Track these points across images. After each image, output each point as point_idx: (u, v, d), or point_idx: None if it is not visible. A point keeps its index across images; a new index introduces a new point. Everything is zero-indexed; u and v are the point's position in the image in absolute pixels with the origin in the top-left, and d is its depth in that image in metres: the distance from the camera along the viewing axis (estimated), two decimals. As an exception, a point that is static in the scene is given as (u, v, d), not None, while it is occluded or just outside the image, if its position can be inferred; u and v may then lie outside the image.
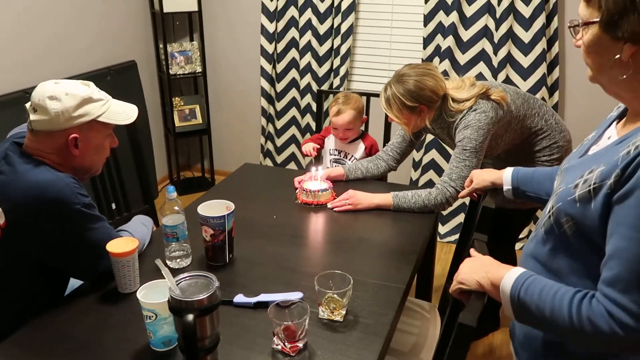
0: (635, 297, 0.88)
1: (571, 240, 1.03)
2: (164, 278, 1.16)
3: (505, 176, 1.57)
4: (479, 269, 1.14)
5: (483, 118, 1.85)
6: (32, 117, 1.42)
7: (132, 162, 2.42)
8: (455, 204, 3.22)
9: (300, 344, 1.24)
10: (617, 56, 0.96)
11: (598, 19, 0.96)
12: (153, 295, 1.21)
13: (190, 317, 1.08)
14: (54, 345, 1.26)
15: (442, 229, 3.34)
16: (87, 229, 1.42)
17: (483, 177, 1.65)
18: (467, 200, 2.70)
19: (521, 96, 2.01)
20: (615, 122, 1.11)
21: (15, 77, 2.72)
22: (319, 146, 2.49)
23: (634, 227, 0.89)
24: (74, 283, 1.55)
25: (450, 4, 2.96)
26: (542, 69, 2.89)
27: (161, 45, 3.67)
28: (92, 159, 1.53)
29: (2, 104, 2.56)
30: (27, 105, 1.45)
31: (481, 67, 3.04)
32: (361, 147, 2.43)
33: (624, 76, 0.97)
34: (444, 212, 3.30)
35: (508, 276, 1.05)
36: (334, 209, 1.93)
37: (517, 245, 2.48)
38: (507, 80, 2.95)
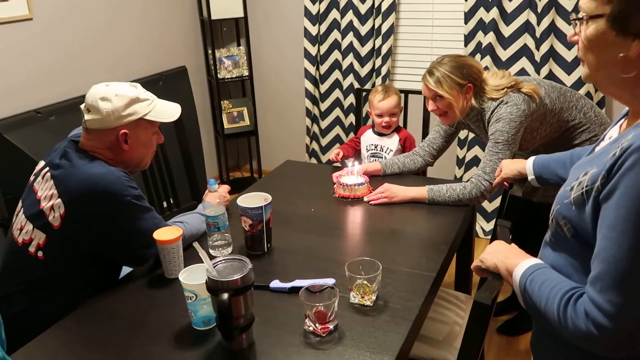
0: (611, 296, 0.88)
1: (572, 242, 1.02)
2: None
3: (528, 165, 1.60)
4: (500, 254, 1.17)
5: (515, 111, 1.87)
6: (86, 116, 1.56)
7: (181, 163, 2.56)
8: (499, 201, 3.20)
9: (330, 326, 1.30)
10: (622, 54, 0.92)
11: (604, 13, 0.92)
12: (194, 278, 1.31)
13: (225, 296, 1.17)
14: (106, 323, 1.39)
15: (487, 226, 3.32)
16: (136, 218, 1.54)
17: (511, 166, 1.68)
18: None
19: (557, 89, 2.00)
20: (621, 121, 1.08)
21: (74, 83, 2.93)
22: (343, 153, 2.52)
23: (612, 227, 0.88)
24: (127, 269, 1.68)
25: (490, 0, 2.95)
26: (587, 63, 2.83)
27: (210, 51, 3.83)
28: (140, 154, 1.66)
29: (63, 109, 2.77)
30: (82, 106, 1.59)
31: (523, 62, 3.01)
32: (396, 139, 2.48)
33: (626, 75, 0.93)
34: (488, 209, 3.28)
35: (521, 266, 1.07)
36: (370, 202, 1.99)
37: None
38: (551, 75, 2.92)
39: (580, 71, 2.85)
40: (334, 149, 2.57)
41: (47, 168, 1.57)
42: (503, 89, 1.92)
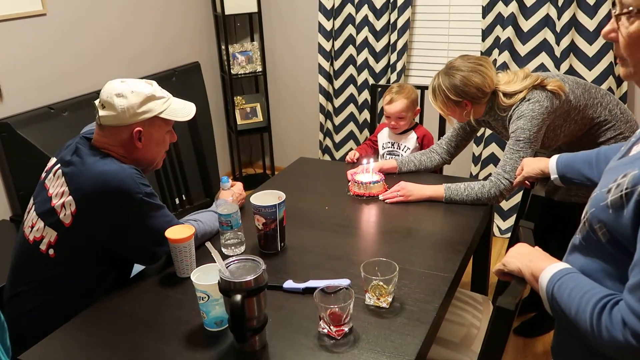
0: None
1: (607, 247, 0.97)
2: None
3: (551, 164, 1.55)
4: (524, 257, 1.12)
5: (537, 108, 1.81)
6: (101, 112, 1.53)
7: (194, 159, 2.54)
8: (516, 199, 3.15)
9: (345, 328, 1.27)
10: None
11: None
12: (206, 278, 1.28)
13: (238, 297, 1.14)
14: (117, 322, 1.36)
15: (503, 225, 3.26)
16: (148, 216, 1.52)
17: (533, 165, 1.63)
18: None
19: (581, 86, 1.94)
20: None
21: (87, 79, 2.92)
22: (360, 155, 2.47)
23: None
24: (139, 267, 1.66)
25: (509, -6, 2.89)
26: (609, 58, 2.77)
27: (223, 47, 3.80)
28: (153, 152, 1.63)
29: (76, 105, 2.76)
30: (96, 102, 1.56)
31: (543, 57, 2.94)
32: (413, 137, 2.42)
33: None
34: (505, 208, 3.23)
35: (548, 270, 1.03)
36: (385, 201, 1.94)
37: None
38: (571, 71, 2.85)
39: (600, 67, 2.77)
40: (351, 150, 2.52)
41: (59, 165, 1.55)
42: (523, 90, 1.86)
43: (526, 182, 1.75)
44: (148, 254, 1.56)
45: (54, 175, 1.54)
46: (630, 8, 0.89)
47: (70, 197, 1.47)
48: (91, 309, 1.43)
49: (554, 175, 1.56)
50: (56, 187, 1.51)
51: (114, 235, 1.51)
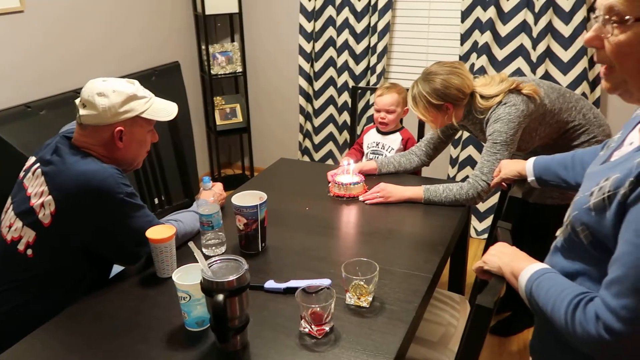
0: (627, 302, 0.86)
1: (588, 249, 0.99)
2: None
3: (528, 166, 1.59)
4: (505, 256, 1.15)
5: (513, 111, 1.85)
6: (82, 112, 1.52)
7: (173, 159, 2.52)
8: (492, 201, 3.20)
9: (326, 327, 1.28)
10: None
11: None
12: (188, 278, 1.28)
13: (221, 297, 1.14)
14: (96, 325, 1.35)
15: (479, 226, 3.32)
16: (129, 216, 1.51)
17: (510, 167, 1.67)
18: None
19: (556, 90, 1.99)
20: (639, 126, 1.04)
21: (65, 77, 2.87)
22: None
23: (637, 232, 0.86)
24: (118, 267, 1.65)
25: None
26: (583, 64, 2.84)
27: (203, 47, 3.79)
28: (134, 152, 1.62)
29: (54, 104, 2.72)
30: (77, 101, 1.55)
31: (519, 62, 3.00)
32: (398, 138, 2.47)
33: None
34: (481, 209, 3.28)
35: (527, 269, 1.06)
36: (366, 202, 1.97)
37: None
38: (547, 75, 2.91)
39: (575, 72, 2.82)
40: (330, 152, 2.55)
41: (38, 164, 1.53)
42: (500, 94, 1.90)
43: (503, 183, 1.79)
44: (129, 254, 1.55)
45: (32, 174, 1.53)
46: (627, 17, 0.86)
47: (49, 197, 1.45)
48: (71, 309, 1.42)
49: (530, 177, 1.59)
50: (35, 186, 1.50)
51: (95, 235, 1.50)
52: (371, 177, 2.14)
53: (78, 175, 1.45)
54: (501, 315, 2.52)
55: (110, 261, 1.63)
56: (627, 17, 0.86)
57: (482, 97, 1.93)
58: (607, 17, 0.88)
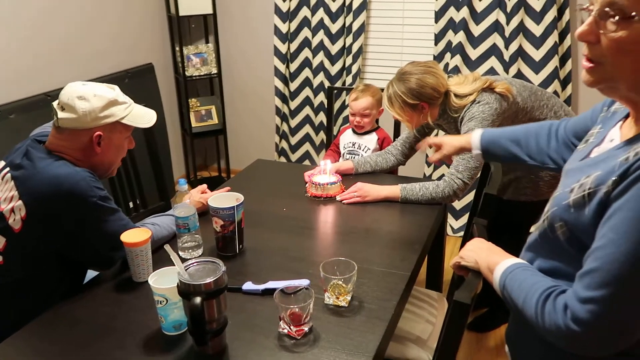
0: (596, 294, 0.86)
1: (564, 246, 1.00)
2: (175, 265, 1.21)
3: (474, 139, 1.52)
4: (482, 251, 1.17)
5: (487, 109, 1.88)
6: (60, 115, 1.49)
7: (148, 162, 2.49)
8: (468, 199, 3.24)
9: (305, 328, 1.28)
10: None
11: None
12: (164, 281, 1.26)
13: (198, 299, 1.13)
14: (71, 331, 1.33)
15: (455, 224, 3.35)
16: (103, 220, 1.48)
17: (452, 142, 1.61)
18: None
19: (528, 89, 2.02)
20: (620, 123, 1.03)
21: (34, 80, 2.81)
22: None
23: (615, 228, 0.87)
24: (92, 272, 1.62)
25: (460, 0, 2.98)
26: (554, 62, 2.89)
27: (177, 48, 3.75)
28: (111, 158, 1.60)
29: (24, 107, 2.66)
30: (55, 103, 1.52)
31: (492, 61, 3.04)
32: (374, 138, 2.48)
33: None
34: (457, 207, 3.31)
35: (503, 263, 1.07)
36: (343, 201, 1.97)
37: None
38: (519, 74, 2.96)
39: (546, 71, 2.87)
40: (306, 153, 2.55)
41: (8, 168, 1.49)
42: (473, 93, 1.92)
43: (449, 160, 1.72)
44: (103, 258, 1.52)
45: (2, 179, 1.49)
46: (633, 13, 0.81)
47: (20, 202, 1.42)
48: (45, 315, 1.39)
49: (476, 151, 1.53)
50: (4, 191, 1.46)
51: (68, 240, 1.47)
52: (348, 177, 2.15)
53: (49, 179, 1.42)
54: (478, 311, 2.55)
55: (84, 266, 1.60)
56: (633, 14, 0.81)
57: (456, 96, 1.95)
58: (606, 10, 0.84)
